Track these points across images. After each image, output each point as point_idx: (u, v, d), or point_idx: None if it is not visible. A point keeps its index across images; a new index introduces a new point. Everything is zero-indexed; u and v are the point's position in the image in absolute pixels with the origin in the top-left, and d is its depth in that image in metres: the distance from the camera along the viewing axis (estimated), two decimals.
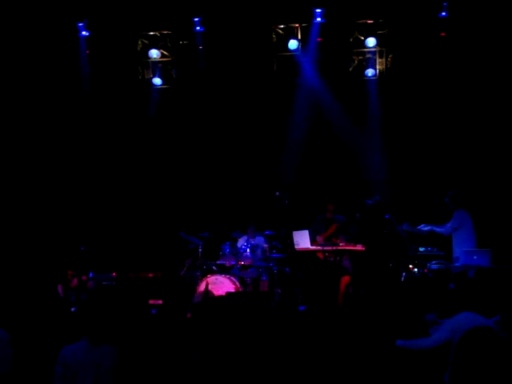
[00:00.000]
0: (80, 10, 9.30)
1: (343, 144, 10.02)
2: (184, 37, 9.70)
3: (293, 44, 9.48)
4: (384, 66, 9.56)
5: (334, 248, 7.96)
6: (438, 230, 7.87)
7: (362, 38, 9.28)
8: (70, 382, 3.94)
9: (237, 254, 8.86)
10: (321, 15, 9.20)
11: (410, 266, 8.07)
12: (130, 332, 4.67)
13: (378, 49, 9.35)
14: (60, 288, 8.31)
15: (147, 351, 4.08)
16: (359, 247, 7.89)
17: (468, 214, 7.82)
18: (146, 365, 3.61)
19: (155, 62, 9.98)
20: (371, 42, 9.22)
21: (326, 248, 8.04)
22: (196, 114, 10.35)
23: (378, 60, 9.52)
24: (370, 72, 9.62)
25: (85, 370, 3.95)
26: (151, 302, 8.33)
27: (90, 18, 9.49)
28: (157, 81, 10.09)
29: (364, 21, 9.18)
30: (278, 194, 8.55)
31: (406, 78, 9.48)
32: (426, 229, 7.89)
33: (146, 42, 9.69)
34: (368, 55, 9.47)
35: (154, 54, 9.72)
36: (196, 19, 9.44)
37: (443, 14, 8.89)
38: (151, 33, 9.65)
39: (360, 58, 9.57)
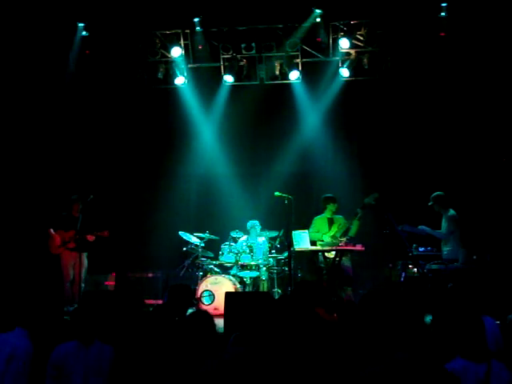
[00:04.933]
0: (79, 10, 9.29)
1: (342, 144, 10.05)
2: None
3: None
4: (383, 67, 9.53)
5: (334, 248, 7.95)
6: (436, 235, 7.84)
7: (362, 39, 9.28)
8: (62, 382, 3.92)
9: (236, 254, 8.86)
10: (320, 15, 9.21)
11: (410, 266, 8.07)
12: (127, 332, 4.66)
13: (377, 49, 9.33)
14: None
15: (144, 351, 4.06)
16: (359, 247, 7.86)
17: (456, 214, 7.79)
18: (141, 364, 3.60)
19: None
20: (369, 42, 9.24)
21: (324, 248, 8.04)
22: (195, 114, 10.37)
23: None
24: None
25: (77, 370, 3.93)
26: (151, 302, 8.34)
27: (89, 19, 9.48)
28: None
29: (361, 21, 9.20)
30: (277, 194, 8.53)
31: (404, 78, 9.47)
32: (425, 230, 7.87)
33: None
34: (366, 55, 9.44)
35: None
36: (196, 19, 9.44)
37: (443, 14, 8.89)
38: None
39: (359, 57, 9.55)
